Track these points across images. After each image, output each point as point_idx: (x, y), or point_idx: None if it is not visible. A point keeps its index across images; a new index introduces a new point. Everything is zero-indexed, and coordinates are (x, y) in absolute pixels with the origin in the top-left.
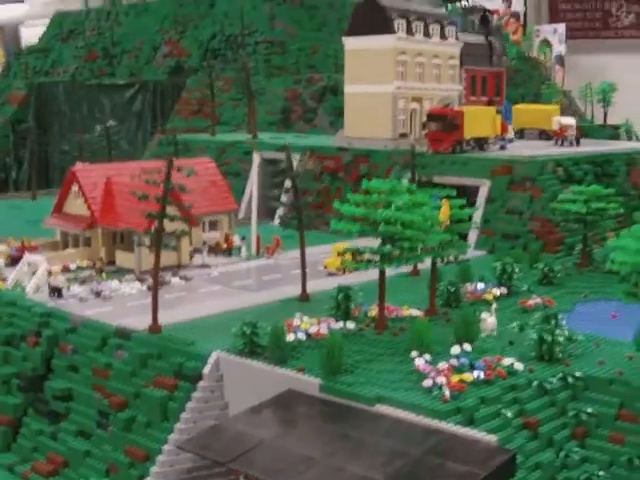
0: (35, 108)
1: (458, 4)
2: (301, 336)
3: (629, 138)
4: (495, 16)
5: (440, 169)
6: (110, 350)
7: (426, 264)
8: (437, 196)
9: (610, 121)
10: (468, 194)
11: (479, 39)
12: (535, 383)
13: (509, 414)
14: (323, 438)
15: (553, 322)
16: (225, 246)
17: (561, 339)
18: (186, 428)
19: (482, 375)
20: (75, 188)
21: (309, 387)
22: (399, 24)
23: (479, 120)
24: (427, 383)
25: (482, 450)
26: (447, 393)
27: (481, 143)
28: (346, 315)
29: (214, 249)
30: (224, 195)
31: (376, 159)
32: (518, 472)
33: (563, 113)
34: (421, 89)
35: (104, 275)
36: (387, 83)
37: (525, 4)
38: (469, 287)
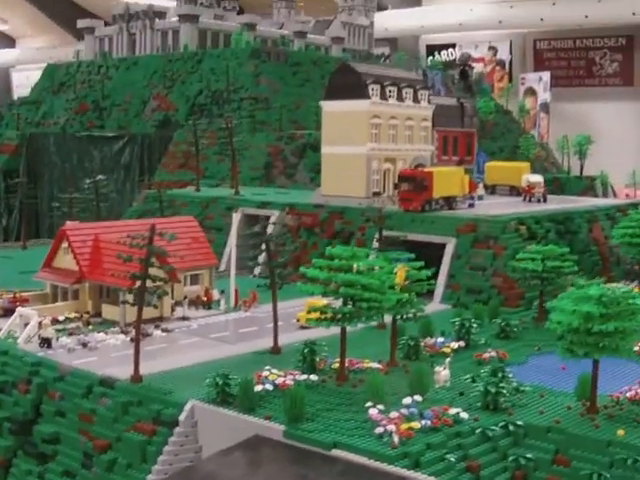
0: (26, 158)
1: (439, 58)
2: (268, 387)
3: (604, 189)
4: (481, 64)
5: (410, 227)
6: (95, 397)
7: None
8: (397, 259)
9: (588, 172)
10: (435, 251)
11: (451, 101)
12: (478, 430)
13: (452, 459)
14: (284, 478)
15: (500, 375)
16: (205, 299)
17: (504, 391)
18: (162, 469)
19: (429, 423)
20: (65, 245)
21: (274, 433)
22: (373, 89)
23: (448, 180)
24: (379, 430)
25: None
26: (396, 439)
27: (450, 202)
28: (311, 367)
29: (194, 302)
30: (205, 251)
31: (350, 216)
32: None
33: (540, 165)
34: (394, 150)
35: (90, 327)
36: (361, 145)
37: (511, 52)
38: (429, 341)
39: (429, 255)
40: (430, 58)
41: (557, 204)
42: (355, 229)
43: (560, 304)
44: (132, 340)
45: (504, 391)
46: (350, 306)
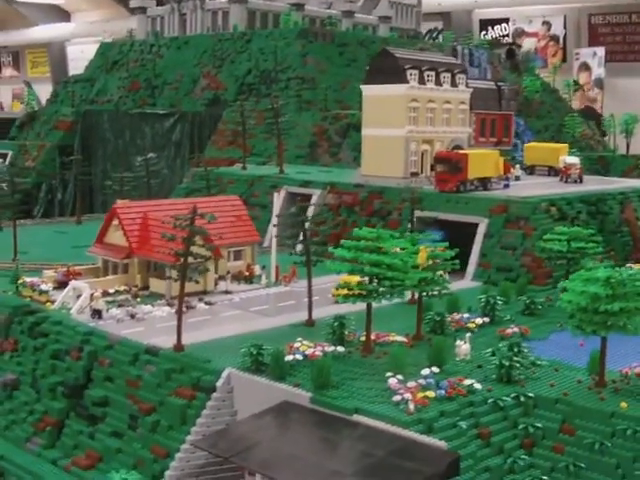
0: (81, 134)
1: (492, 33)
2: (299, 357)
3: None
4: (534, 39)
5: (445, 207)
6: (141, 364)
7: None
8: (426, 240)
9: (635, 151)
10: (469, 230)
11: (489, 84)
12: (490, 400)
13: (464, 425)
14: (309, 440)
15: (516, 349)
16: (247, 274)
17: (518, 364)
18: (200, 431)
19: (444, 393)
20: (115, 222)
21: (301, 399)
22: (411, 74)
23: (483, 162)
24: (396, 398)
25: (432, 453)
26: (411, 407)
27: (485, 183)
28: (340, 340)
29: (237, 277)
30: (247, 228)
31: (388, 196)
32: (469, 474)
33: (586, 144)
34: (432, 132)
35: (139, 299)
36: (400, 127)
37: (565, 27)
38: (455, 316)
39: (463, 234)
40: (478, 36)
41: (592, 185)
42: (392, 208)
43: (570, 284)
44: (176, 312)
45: (517, 364)
46: (375, 284)
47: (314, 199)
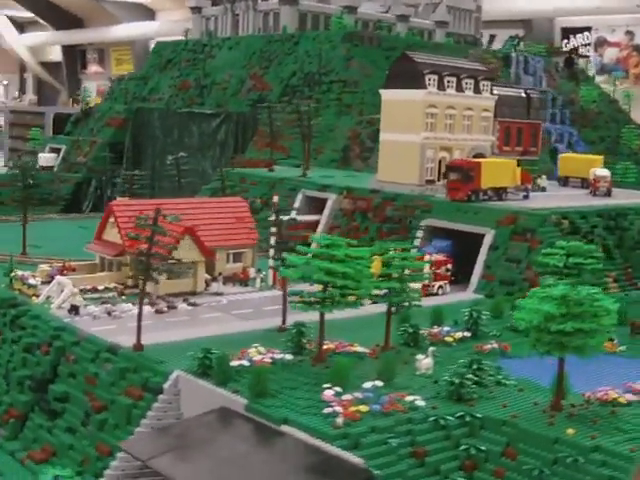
0: (132, 131)
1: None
2: (245, 363)
3: None
4: (616, 49)
5: (454, 216)
6: (100, 362)
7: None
8: (434, 247)
9: None
10: (476, 241)
11: (517, 92)
12: (431, 419)
13: (394, 443)
14: (230, 449)
15: (475, 366)
16: (242, 277)
17: (470, 382)
18: (143, 432)
19: (379, 408)
20: (112, 220)
21: (238, 406)
22: (430, 79)
23: (497, 171)
24: (327, 410)
25: (345, 469)
26: (339, 420)
27: (499, 193)
28: (298, 348)
29: (232, 279)
30: (249, 231)
31: (402, 202)
32: None
33: None
34: (450, 139)
35: (124, 297)
36: (416, 133)
37: None
38: (435, 329)
39: (470, 244)
40: (560, 44)
41: (621, 199)
42: (404, 216)
43: (524, 302)
44: (157, 311)
45: (469, 382)
46: (324, 292)
47: (328, 204)
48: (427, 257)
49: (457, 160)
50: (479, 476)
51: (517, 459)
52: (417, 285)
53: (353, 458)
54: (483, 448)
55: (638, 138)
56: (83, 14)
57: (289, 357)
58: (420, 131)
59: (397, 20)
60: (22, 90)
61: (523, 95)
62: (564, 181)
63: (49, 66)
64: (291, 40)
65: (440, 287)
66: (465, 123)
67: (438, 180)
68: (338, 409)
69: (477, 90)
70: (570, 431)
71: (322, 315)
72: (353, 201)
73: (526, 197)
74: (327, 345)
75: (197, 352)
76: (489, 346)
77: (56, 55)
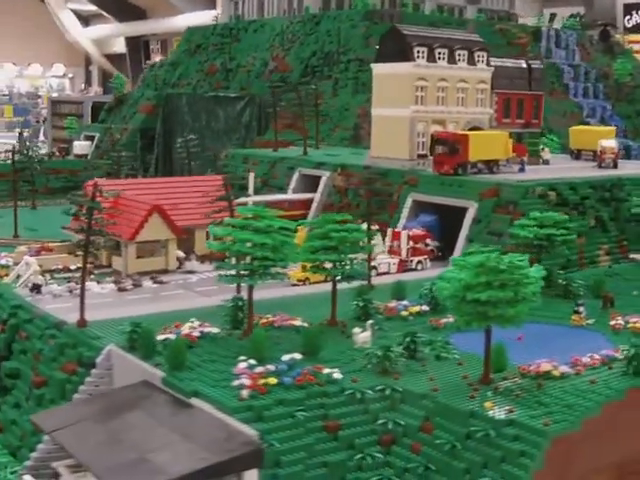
0: (162, 117)
1: (574, 19)
2: (171, 337)
3: None
4: None
5: (439, 190)
6: (46, 338)
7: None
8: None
9: None
10: (461, 215)
11: (517, 63)
12: (348, 392)
13: (300, 416)
14: (137, 421)
15: (408, 339)
16: (219, 255)
17: (393, 355)
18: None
19: (291, 380)
20: None
21: (156, 379)
22: (419, 51)
23: (488, 143)
24: (235, 383)
25: (234, 441)
26: (243, 392)
27: (490, 166)
28: (235, 322)
29: (208, 257)
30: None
31: (392, 178)
32: (297, 467)
33: None
34: (443, 112)
35: (92, 276)
36: (405, 107)
37: None
38: (391, 304)
39: (456, 219)
40: (622, 21)
41: (625, 170)
42: (394, 191)
43: (447, 271)
44: (120, 289)
45: (393, 355)
46: (243, 264)
47: (322, 181)
48: (404, 232)
49: (443, 133)
50: (396, 451)
51: (433, 433)
52: (360, 257)
53: (248, 430)
54: (402, 422)
55: None
56: (146, 5)
57: (215, 330)
58: (409, 104)
59: None
60: (88, 82)
61: (524, 66)
62: (576, 154)
63: (113, 58)
64: (313, 20)
65: (419, 262)
66: (459, 96)
67: (430, 154)
68: (245, 381)
69: (472, 62)
70: (488, 404)
71: (250, 288)
72: (346, 178)
73: (522, 170)
74: (266, 319)
75: (126, 327)
76: (444, 320)
77: (120, 47)
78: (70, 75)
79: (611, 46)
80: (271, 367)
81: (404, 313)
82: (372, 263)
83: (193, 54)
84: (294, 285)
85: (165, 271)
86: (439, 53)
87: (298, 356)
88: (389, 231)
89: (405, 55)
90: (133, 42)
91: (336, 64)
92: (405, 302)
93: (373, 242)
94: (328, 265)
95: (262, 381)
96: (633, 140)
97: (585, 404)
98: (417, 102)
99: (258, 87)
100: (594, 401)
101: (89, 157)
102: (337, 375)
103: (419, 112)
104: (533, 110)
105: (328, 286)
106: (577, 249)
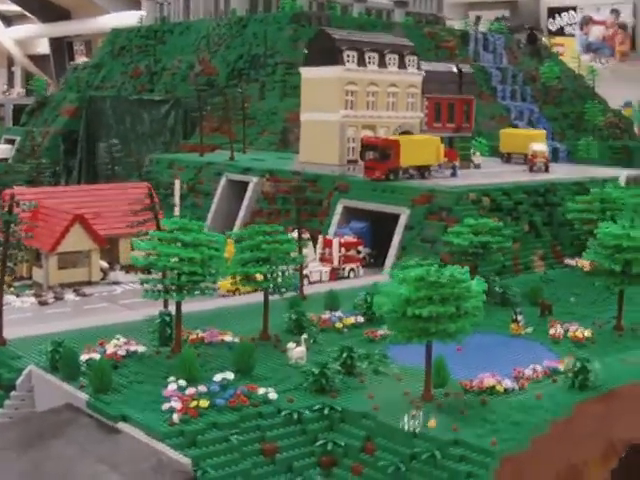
0: (85, 120)
1: (502, 23)
2: (95, 356)
3: None
4: (602, 27)
5: (371, 196)
6: None
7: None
8: (350, 228)
9: None
10: (394, 221)
11: (448, 68)
12: (285, 412)
13: (234, 440)
14: (50, 451)
15: (345, 354)
16: None
17: (332, 372)
18: None
19: (224, 402)
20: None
21: (81, 402)
22: (349, 55)
23: (419, 149)
24: (165, 406)
25: (166, 471)
26: (174, 416)
27: (422, 171)
28: (164, 338)
29: (135, 268)
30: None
31: (322, 184)
32: None
33: (610, 133)
34: (373, 117)
35: (12, 289)
36: (335, 112)
37: (634, 15)
38: (325, 315)
39: (388, 225)
40: (545, 24)
41: (559, 174)
42: (324, 197)
43: (383, 286)
44: (40, 303)
45: (330, 373)
46: (169, 280)
47: (250, 187)
48: (336, 239)
49: (372, 138)
50: (337, 473)
51: (375, 454)
52: (291, 269)
53: (179, 457)
54: (342, 443)
55: (602, 114)
56: (69, 5)
57: (141, 349)
58: (339, 109)
59: (355, 0)
60: (10, 84)
61: (454, 70)
62: (507, 157)
63: (37, 59)
64: (240, 23)
65: (352, 270)
66: (390, 100)
67: (361, 160)
68: (176, 405)
69: (402, 66)
70: (431, 423)
71: (178, 304)
72: (275, 184)
73: (454, 175)
74: (196, 335)
75: (47, 346)
76: (382, 332)
77: (44, 48)
78: None
79: (538, 49)
80: (203, 388)
81: (338, 325)
82: (304, 272)
83: (117, 56)
84: (224, 296)
85: (88, 282)
86: (369, 57)
87: (230, 375)
88: (320, 238)
89: (334, 59)
90: (57, 43)
91: (263, 67)
92: (339, 313)
93: (304, 251)
94: (259, 277)
95: (193, 403)
96: (560, 142)
97: (532, 421)
98: (347, 107)
99: (184, 90)
100: (541, 418)
101: (10, 161)
102: (272, 395)
103: (349, 117)
104: (464, 114)
105: (259, 296)
106: (512, 255)
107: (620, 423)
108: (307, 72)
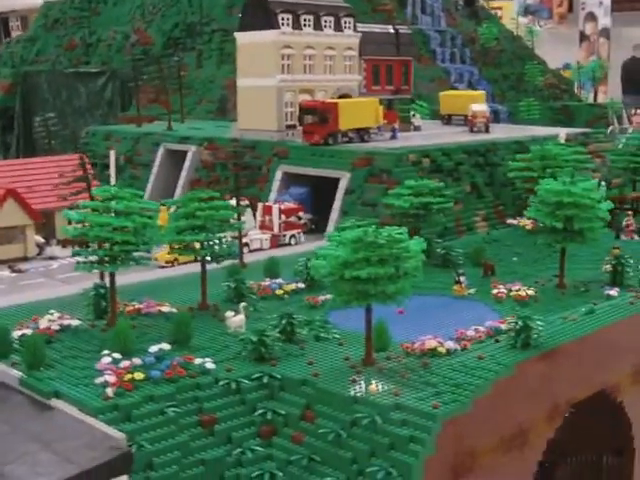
0: (21, 95)
1: None
2: (28, 332)
3: (618, 117)
4: None
5: (310, 161)
6: None
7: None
8: (290, 194)
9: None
10: (334, 186)
11: (385, 29)
12: (222, 382)
13: (171, 412)
14: None
15: (285, 321)
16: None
17: (269, 339)
18: None
19: (159, 374)
20: None
21: (13, 380)
22: (284, 18)
23: (358, 111)
24: (99, 380)
25: (101, 446)
26: (108, 391)
27: (361, 134)
28: (99, 312)
29: (73, 242)
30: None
31: (260, 150)
32: (172, 468)
33: (551, 93)
34: (311, 81)
35: None
36: (271, 76)
37: None
38: (265, 283)
39: (329, 190)
40: None
41: (499, 134)
42: (263, 163)
43: (321, 249)
44: None
45: (270, 340)
46: (103, 250)
47: (189, 156)
48: (276, 206)
49: (311, 102)
50: (277, 442)
51: (316, 422)
52: (230, 235)
53: (114, 433)
54: (282, 412)
55: (542, 74)
56: None
57: (75, 322)
58: (276, 74)
59: None
60: None
61: (391, 31)
62: (447, 119)
63: None
64: None
65: (293, 237)
66: (327, 63)
67: (300, 124)
68: (110, 379)
69: (338, 28)
70: (372, 388)
71: (112, 275)
72: (213, 152)
73: (394, 137)
74: (132, 306)
75: None
76: (322, 297)
77: None
78: None
79: (476, 11)
80: (137, 360)
81: (279, 292)
82: (243, 240)
83: (51, 29)
84: (162, 267)
85: (24, 258)
86: (305, 20)
87: (167, 346)
88: (260, 205)
89: (269, 23)
90: None
91: (199, 35)
92: (279, 280)
93: (243, 218)
94: (196, 245)
95: (128, 377)
96: (501, 104)
97: (474, 382)
98: (284, 71)
99: (120, 61)
100: (483, 378)
101: None
102: (210, 365)
103: (286, 81)
104: (402, 76)
105: (199, 267)
106: (454, 216)
107: (563, 381)
108: (242, 37)
